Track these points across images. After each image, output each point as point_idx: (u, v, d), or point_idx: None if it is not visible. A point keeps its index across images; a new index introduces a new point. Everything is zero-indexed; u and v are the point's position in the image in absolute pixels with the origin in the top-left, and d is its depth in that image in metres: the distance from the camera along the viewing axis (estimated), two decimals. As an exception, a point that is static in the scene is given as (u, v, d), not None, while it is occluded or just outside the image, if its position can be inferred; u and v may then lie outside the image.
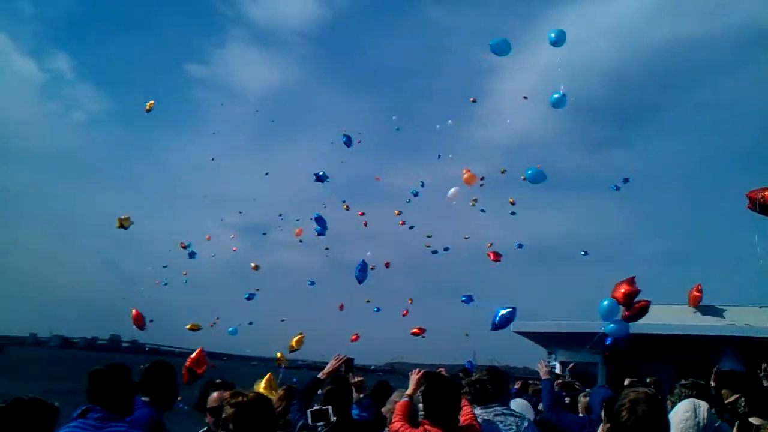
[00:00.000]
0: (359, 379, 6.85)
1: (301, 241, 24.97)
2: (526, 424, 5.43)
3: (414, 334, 15.17)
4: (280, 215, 30.30)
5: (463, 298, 15.77)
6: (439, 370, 6.50)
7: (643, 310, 9.95)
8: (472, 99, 23.43)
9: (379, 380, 7.85)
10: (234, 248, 32.08)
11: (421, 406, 4.90)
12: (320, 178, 19.62)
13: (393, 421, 4.98)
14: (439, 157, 24.26)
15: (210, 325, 21.49)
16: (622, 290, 9.59)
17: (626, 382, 8.04)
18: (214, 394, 4.89)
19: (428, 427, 4.72)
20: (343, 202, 24.96)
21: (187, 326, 19.42)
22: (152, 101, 19.71)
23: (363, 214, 25.61)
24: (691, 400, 4.67)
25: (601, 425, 5.49)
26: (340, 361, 5.88)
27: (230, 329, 20.97)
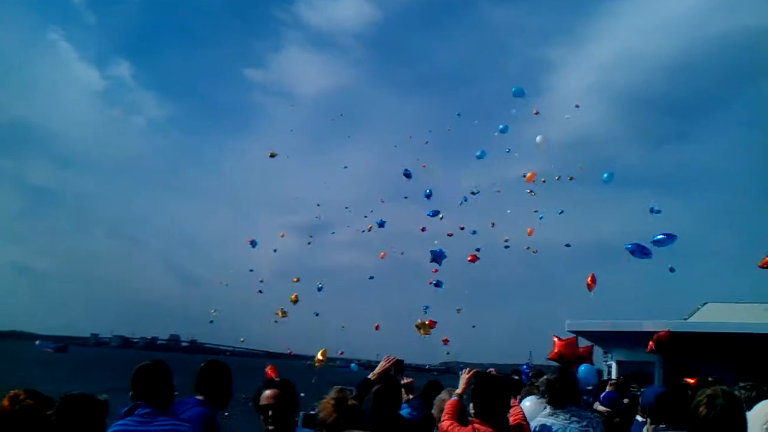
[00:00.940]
0: (409, 380, 6.90)
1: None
2: (600, 429, 5.45)
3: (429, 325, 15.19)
4: (346, 207, 31.13)
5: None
6: (489, 370, 6.51)
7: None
8: (534, 111, 23.22)
9: (430, 380, 7.90)
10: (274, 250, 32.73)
11: (471, 405, 4.93)
12: (407, 174, 21.80)
13: (442, 419, 5.01)
14: (509, 151, 24.25)
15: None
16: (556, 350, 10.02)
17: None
18: (267, 392, 4.68)
19: (477, 426, 4.74)
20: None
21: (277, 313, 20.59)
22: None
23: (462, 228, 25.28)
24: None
25: (648, 421, 5.46)
26: (391, 362, 5.88)
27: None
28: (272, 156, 22.74)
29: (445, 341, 19.65)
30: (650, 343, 10.55)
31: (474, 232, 24.74)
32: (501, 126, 21.77)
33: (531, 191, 21.64)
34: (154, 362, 4.12)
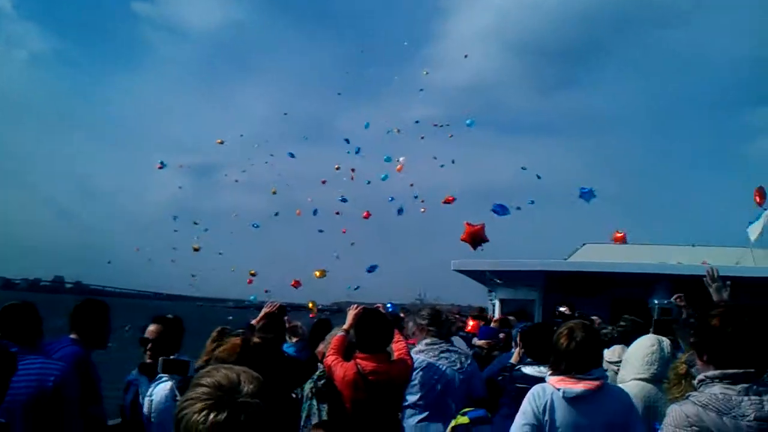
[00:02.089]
0: (294, 323, 6.88)
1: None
2: (469, 361, 5.69)
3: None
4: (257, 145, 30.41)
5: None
6: (376, 306, 6.53)
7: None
8: (425, 71, 23.59)
9: (319, 318, 7.88)
10: (179, 187, 32.06)
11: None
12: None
13: (328, 354, 5.04)
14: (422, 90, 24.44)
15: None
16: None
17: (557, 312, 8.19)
18: (151, 327, 5.20)
19: (360, 360, 4.84)
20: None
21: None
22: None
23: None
24: (654, 335, 4.84)
25: (516, 350, 5.68)
26: (273, 308, 5.90)
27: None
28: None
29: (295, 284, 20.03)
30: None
31: (385, 177, 24.73)
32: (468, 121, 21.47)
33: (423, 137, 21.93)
34: (21, 302, 4.08)
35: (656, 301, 8.21)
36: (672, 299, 5.78)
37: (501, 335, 8.72)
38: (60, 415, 3.66)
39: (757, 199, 14.13)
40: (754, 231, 12.89)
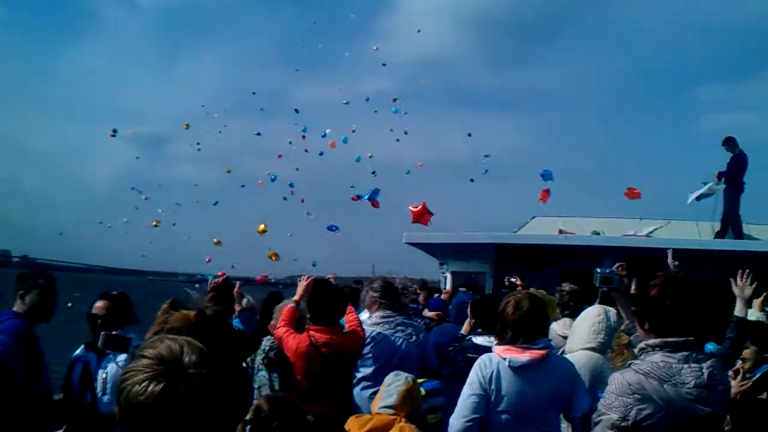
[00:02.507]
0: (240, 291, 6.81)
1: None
2: (423, 333, 5.77)
3: None
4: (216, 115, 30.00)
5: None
6: (328, 277, 6.52)
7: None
8: (374, 47, 23.52)
9: (271, 291, 7.83)
10: (137, 157, 31.50)
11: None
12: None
13: (278, 326, 5.01)
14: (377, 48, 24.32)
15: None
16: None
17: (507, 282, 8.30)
18: (99, 303, 5.11)
19: (313, 332, 4.84)
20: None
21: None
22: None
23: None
24: (601, 305, 4.90)
25: (467, 321, 5.68)
26: (219, 281, 5.97)
27: None
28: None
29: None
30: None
31: (345, 140, 24.54)
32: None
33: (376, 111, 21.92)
34: None
35: (599, 270, 8.38)
36: (614, 268, 5.91)
37: (450, 307, 8.84)
38: (2, 389, 3.60)
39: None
40: (692, 195, 13.26)
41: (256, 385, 4.95)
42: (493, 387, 3.58)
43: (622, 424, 2.81)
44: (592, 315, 4.68)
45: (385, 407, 3.71)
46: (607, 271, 6.81)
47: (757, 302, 6.35)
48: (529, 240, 13.05)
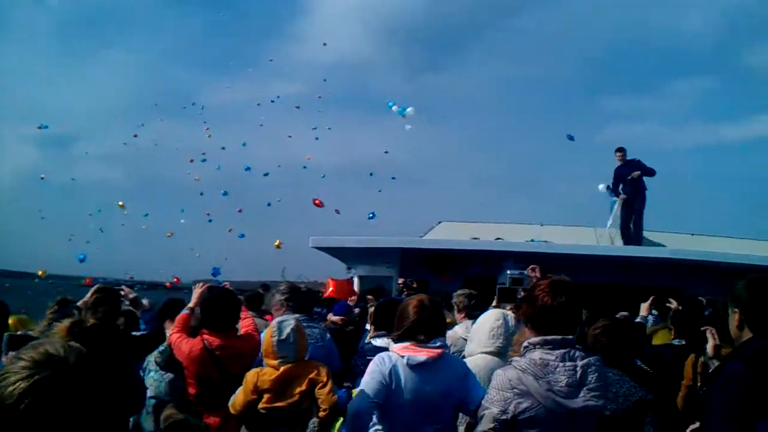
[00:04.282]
0: (133, 295, 6.68)
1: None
2: (328, 335, 5.93)
3: None
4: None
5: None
6: (223, 284, 6.47)
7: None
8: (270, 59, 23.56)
9: (170, 297, 7.71)
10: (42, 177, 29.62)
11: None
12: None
13: (171, 332, 4.99)
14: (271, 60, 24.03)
15: None
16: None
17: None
18: None
19: (206, 336, 4.80)
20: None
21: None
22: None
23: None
24: (500, 310, 5.01)
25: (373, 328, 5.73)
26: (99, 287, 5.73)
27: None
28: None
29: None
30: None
31: (244, 144, 24.24)
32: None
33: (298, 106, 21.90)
34: None
35: (509, 271, 8.63)
36: (525, 271, 6.06)
37: (356, 310, 8.87)
38: None
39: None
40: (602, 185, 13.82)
41: (148, 384, 4.91)
42: (392, 383, 3.60)
43: (502, 417, 3.00)
44: (491, 319, 4.72)
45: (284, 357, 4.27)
46: (517, 273, 6.96)
47: (644, 305, 6.66)
48: (434, 245, 13.24)
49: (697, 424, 4.02)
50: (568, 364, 3.03)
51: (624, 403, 3.78)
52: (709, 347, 4.85)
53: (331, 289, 11.06)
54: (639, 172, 13.04)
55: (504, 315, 4.75)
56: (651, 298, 6.75)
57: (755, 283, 3.12)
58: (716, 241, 15.71)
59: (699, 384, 5.11)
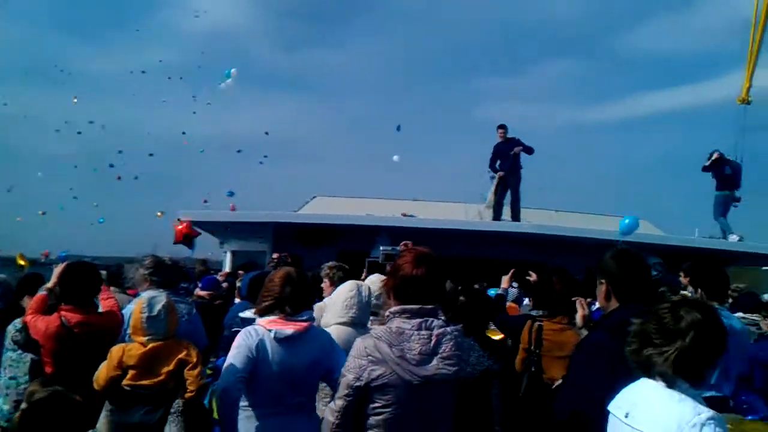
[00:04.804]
0: None
1: None
2: (194, 311, 5.88)
3: None
4: None
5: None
6: (84, 260, 6.20)
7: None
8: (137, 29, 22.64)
9: (31, 272, 7.39)
10: None
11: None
12: None
13: (27, 313, 4.79)
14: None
15: None
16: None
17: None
18: None
19: (65, 313, 4.65)
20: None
21: None
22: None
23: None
24: (355, 281, 4.99)
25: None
26: None
27: None
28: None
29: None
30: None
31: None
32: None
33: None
34: None
35: (382, 248, 8.73)
36: (398, 247, 6.14)
37: (224, 284, 8.79)
38: None
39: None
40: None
41: (4, 366, 4.75)
42: (259, 357, 3.59)
43: (356, 384, 3.06)
44: (345, 291, 4.70)
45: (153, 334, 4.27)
46: (390, 248, 7.03)
47: (505, 278, 6.96)
48: (306, 219, 13.23)
49: None
50: (423, 332, 3.10)
51: (472, 372, 3.94)
52: (579, 317, 5.11)
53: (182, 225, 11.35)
54: (520, 148, 13.43)
55: (358, 286, 4.75)
56: (511, 271, 7.06)
57: (622, 254, 3.30)
58: (578, 218, 16.61)
59: (532, 347, 5.37)
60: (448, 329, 3.18)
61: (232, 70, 16.03)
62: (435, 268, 3.24)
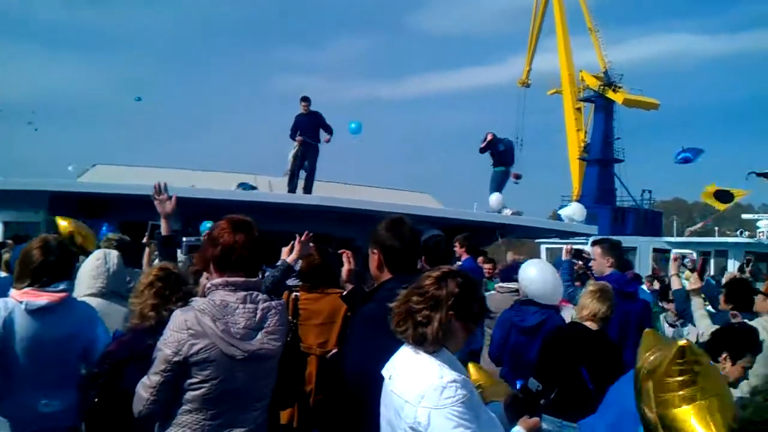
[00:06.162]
0: None
1: None
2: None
3: None
4: None
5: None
6: None
7: None
8: None
9: None
10: None
11: None
12: None
13: None
14: None
15: None
16: None
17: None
18: None
19: None
20: None
21: None
22: None
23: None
24: (104, 249, 4.83)
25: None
26: None
27: None
28: None
29: None
30: None
31: None
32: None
33: None
34: None
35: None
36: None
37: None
38: None
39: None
40: None
41: None
42: (6, 333, 3.45)
43: (174, 359, 2.87)
44: (93, 260, 4.54)
45: None
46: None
47: (285, 250, 7.18)
48: (86, 188, 12.59)
49: None
50: (249, 306, 3.00)
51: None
52: (344, 271, 5.35)
53: None
54: (329, 137, 13.81)
55: (105, 254, 4.58)
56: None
57: (393, 223, 3.33)
58: (367, 190, 17.27)
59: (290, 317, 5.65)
60: (273, 303, 3.11)
61: None
62: (254, 236, 3.13)
